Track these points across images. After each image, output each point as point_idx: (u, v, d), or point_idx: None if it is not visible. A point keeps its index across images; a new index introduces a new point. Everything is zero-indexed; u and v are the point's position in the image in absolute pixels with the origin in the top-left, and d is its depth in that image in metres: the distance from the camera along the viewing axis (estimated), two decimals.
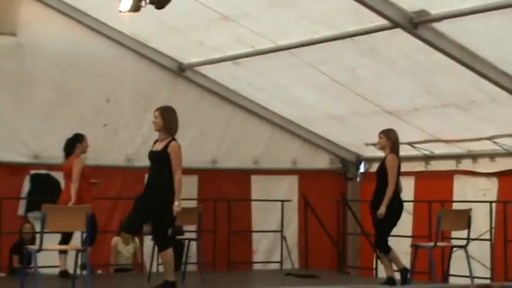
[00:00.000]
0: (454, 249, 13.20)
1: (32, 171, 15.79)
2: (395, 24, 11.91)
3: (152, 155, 11.52)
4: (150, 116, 16.12)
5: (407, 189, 15.44)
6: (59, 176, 15.70)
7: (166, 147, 11.31)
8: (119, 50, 16.30)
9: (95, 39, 16.10)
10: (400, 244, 14.44)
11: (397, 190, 12.59)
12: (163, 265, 11.52)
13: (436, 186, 15.36)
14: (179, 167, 11.33)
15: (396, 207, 12.54)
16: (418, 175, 15.73)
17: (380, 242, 12.81)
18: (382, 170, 12.63)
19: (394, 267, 12.48)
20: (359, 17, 12.26)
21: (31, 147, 15.73)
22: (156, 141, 11.59)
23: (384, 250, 12.74)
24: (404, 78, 13.66)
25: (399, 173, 12.54)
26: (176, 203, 11.06)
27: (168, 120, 11.51)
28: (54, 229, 11.25)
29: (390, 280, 12.50)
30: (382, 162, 12.71)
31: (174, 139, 11.40)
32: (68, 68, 15.80)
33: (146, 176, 16.15)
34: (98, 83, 16.04)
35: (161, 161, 11.32)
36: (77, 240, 12.61)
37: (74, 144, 13.69)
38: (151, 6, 11.99)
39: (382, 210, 12.34)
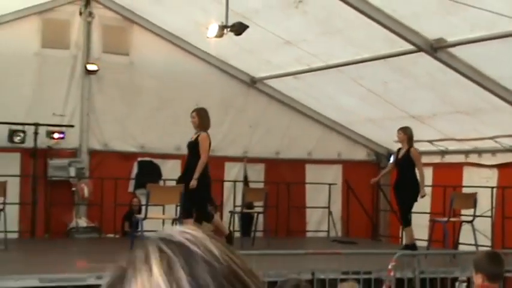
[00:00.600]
0: (463, 223, 13.10)
1: (139, 159, 15.94)
2: (419, 49, 11.86)
3: (188, 145, 11.78)
4: (228, 117, 16.51)
5: (427, 176, 15.33)
6: (159, 162, 15.97)
7: (197, 138, 11.51)
8: (206, 67, 16.35)
9: (187, 58, 16.19)
10: (421, 219, 14.42)
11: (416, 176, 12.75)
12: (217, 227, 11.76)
13: (449, 174, 15.25)
14: (204, 152, 11.45)
15: (417, 190, 12.64)
16: (435, 166, 15.61)
17: (403, 216, 12.95)
18: (405, 160, 12.71)
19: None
20: (391, 43, 12.23)
21: (138, 140, 15.90)
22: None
23: (405, 223, 12.88)
24: (425, 90, 13.60)
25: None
26: (194, 177, 11.16)
27: (202, 118, 11.72)
28: (156, 202, 11.40)
29: (412, 246, 12.55)
30: (405, 154, 12.78)
31: (204, 131, 11.61)
32: (167, 80, 15.92)
33: (225, 163, 16.47)
34: (189, 92, 16.08)
35: (193, 149, 11.52)
36: (171, 212, 12.75)
37: None
38: (232, 33, 12.09)
39: (423, 192, 12.47)
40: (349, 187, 17.14)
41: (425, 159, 15.57)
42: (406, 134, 12.86)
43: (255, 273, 1.11)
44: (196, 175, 11.27)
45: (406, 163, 12.71)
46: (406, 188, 12.69)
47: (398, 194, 12.99)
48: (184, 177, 11.66)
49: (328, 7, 11.95)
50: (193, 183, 11.19)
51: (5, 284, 9.13)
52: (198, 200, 11.46)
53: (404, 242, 13.25)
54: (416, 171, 12.77)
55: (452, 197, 12.96)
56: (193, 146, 11.57)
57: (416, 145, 15.23)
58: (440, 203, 14.49)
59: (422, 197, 12.67)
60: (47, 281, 9.37)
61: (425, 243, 13.36)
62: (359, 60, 13.40)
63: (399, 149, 13.17)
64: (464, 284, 10.50)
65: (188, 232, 1.10)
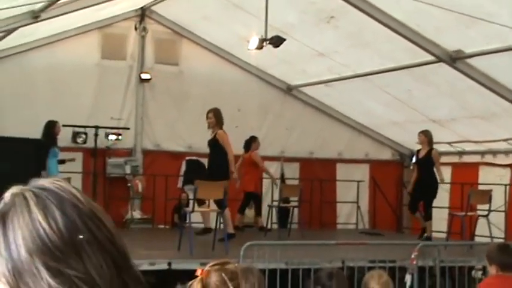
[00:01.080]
0: (479, 217, 13.03)
1: (187, 158, 16.02)
2: (439, 59, 11.83)
3: (208, 143, 11.92)
4: (267, 121, 16.55)
5: (446, 175, 15.27)
6: (205, 161, 16.03)
7: (215, 136, 11.66)
8: (247, 76, 16.37)
9: (230, 68, 16.26)
10: (441, 213, 14.38)
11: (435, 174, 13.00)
12: (224, 221, 11.57)
13: (466, 173, 15.15)
14: (228, 146, 11.70)
15: (436, 187, 12.85)
16: (454, 165, 15.53)
17: (426, 211, 13.03)
18: (426, 160, 12.84)
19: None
20: (414, 54, 12.20)
21: (186, 141, 15.99)
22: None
23: (427, 217, 12.92)
24: (445, 97, 13.54)
25: None
26: (232, 170, 11.44)
27: (218, 118, 11.86)
28: (202, 197, 11.44)
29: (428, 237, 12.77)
30: (426, 155, 12.92)
31: (221, 129, 11.74)
32: (212, 88, 15.94)
33: (264, 162, 16.47)
34: (232, 98, 16.10)
35: (214, 146, 11.70)
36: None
37: (251, 143, 14.32)
38: (270, 46, 12.13)
39: (442, 177, 12.86)
40: (375, 184, 17.11)
41: (444, 159, 15.52)
42: (427, 136, 13.11)
43: (106, 214, 1.27)
44: (232, 168, 11.46)
45: (427, 163, 12.86)
46: (427, 185, 12.82)
47: (420, 191, 13.07)
48: (211, 173, 11.69)
49: (358, 22, 11.95)
50: (234, 176, 11.29)
51: None
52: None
53: (426, 234, 13.23)
54: (435, 170, 12.90)
55: (469, 194, 12.93)
56: (214, 143, 11.69)
57: (436, 146, 15.21)
58: (458, 199, 14.40)
59: (442, 180, 13.09)
60: None
61: (444, 235, 13.33)
62: (385, 69, 13.38)
63: (419, 150, 13.32)
64: (480, 272, 10.44)
65: (57, 182, 1.27)
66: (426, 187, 12.94)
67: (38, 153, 11.94)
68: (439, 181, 13.05)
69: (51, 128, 12.94)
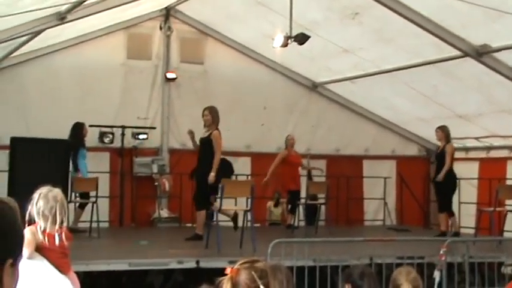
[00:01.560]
0: (508, 212, 12.92)
1: None
2: (465, 54, 11.75)
3: (200, 140, 11.77)
4: (293, 118, 16.53)
5: (474, 170, 15.28)
6: (231, 159, 16.02)
7: (210, 135, 11.53)
8: (272, 73, 16.38)
9: (255, 66, 16.25)
10: (469, 209, 14.31)
11: (453, 169, 13.09)
12: (197, 221, 11.69)
13: (494, 168, 15.02)
14: (219, 150, 11.57)
15: (453, 180, 13.07)
16: (481, 160, 15.42)
17: (445, 204, 12.99)
18: (443, 155, 12.91)
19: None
20: (439, 49, 12.13)
21: None
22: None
23: (450, 213, 13.16)
24: (471, 92, 13.43)
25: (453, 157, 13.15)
26: (212, 173, 11.26)
27: (214, 116, 11.75)
28: (229, 195, 11.44)
29: (444, 233, 12.84)
30: (442, 149, 12.98)
31: (216, 129, 11.59)
32: (237, 86, 16.00)
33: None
34: (257, 96, 16.18)
35: (206, 145, 11.55)
36: (243, 203, 12.81)
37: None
38: (295, 43, 12.12)
39: (440, 176, 12.92)
40: (402, 180, 17.03)
41: (472, 154, 15.45)
42: (444, 132, 13.24)
43: None
44: (213, 171, 11.34)
45: (443, 158, 12.90)
46: (445, 181, 12.84)
47: (438, 186, 13.14)
48: (197, 171, 11.70)
49: (382, 18, 11.90)
50: (211, 178, 11.25)
51: (99, 267, 9.33)
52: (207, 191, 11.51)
53: (453, 229, 13.18)
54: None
55: (497, 189, 12.82)
56: (206, 142, 11.59)
57: (463, 142, 15.15)
58: (486, 194, 14.29)
59: (435, 180, 13.21)
60: (134, 265, 9.55)
61: (473, 231, 13.23)
62: (410, 65, 13.30)
63: (439, 147, 13.39)
64: (510, 268, 10.37)
65: None
66: (443, 182, 12.97)
67: (67, 154, 12.02)
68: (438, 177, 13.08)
69: (79, 129, 13.06)
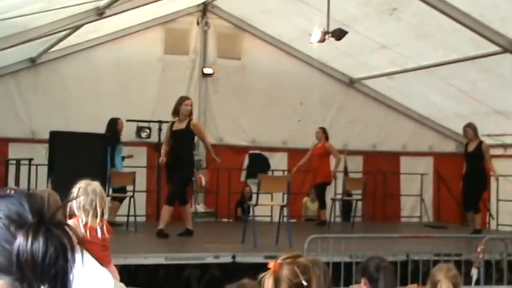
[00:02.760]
0: None
1: (250, 151, 16.09)
2: (504, 50, 11.63)
3: (177, 133, 11.19)
4: (330, 114, 16.49)
5: None
6: (267, 154, 16.10)
7: (189, 125, 11.11)
8: (309, 69, 16.33)
9: (292, 61, 16.23)
10: (507, 206, 14.17)
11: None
12: (186, 216, 11.53)
13: None
14: (206, 134, 11.53)
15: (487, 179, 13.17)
16: None
17: (475, 204, 12.95)
18: (476, 154, 12.73)
19: None
20: (478, 45, 12.01)
21: (249, 135, 16.06)
22: (173, 123, 11.35)
23: (477, 210, 13.09)
24: (510, 88, 13.26)
25: None
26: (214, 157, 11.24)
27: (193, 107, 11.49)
28: (266, 190, 11.44)
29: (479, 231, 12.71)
30: (476, 148, 12.79)
31: (192, 119, 11.22)
32: (274, 81, 16.02)
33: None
34: (294, 91, 16.18)
35: (186, 136, 11.17)
36: (279, 199, 12.81)
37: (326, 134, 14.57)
38: (332, 39, 12.09)
39: (495, 173, 13.09)
40: (439, 177, 16.88)
41: (510, 151, 15.29)
42: (473, 129, 13.11)
43: None
44: (213, 156, 11.25)
45: (478, 156, 12.74)
46: (477, 178, 12.69)
47: (469, 184, 12.95)
48: (175, 165, 11.15)
49: (420, 13, 11.83)
50: (218, 160, 11.28)
51: (136, 261, 9.42)
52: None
53: (475, 227, 13.07)
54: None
55: None
56: (187, 133, 11.10)
57: (501, 138, 14.97)
58: None
59: (495, 173, 13.24)
60: (171, 259, 9.62)
61: None
62: (448, 61, 13.20)
63: (467, 143, 13.17)
64: None
65: None
66: (476, 180, 12.82)
67: (105, 149, 12.14)
68: (491, 174, 13.00)
69: (114, 125, 13.17)
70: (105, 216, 5.11)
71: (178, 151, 11.19)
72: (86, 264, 4.06)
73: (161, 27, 15.55)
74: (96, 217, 4.89)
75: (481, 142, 13.05)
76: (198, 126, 11.50)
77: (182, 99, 11.48)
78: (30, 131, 14.52)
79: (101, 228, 4.96)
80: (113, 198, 12.86)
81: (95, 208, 4.86)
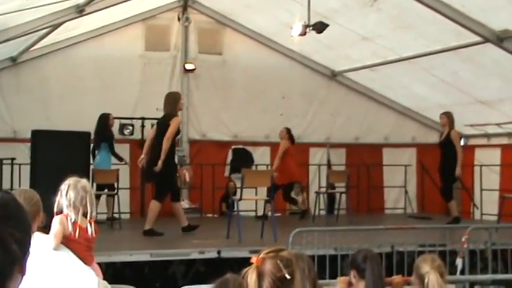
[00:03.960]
0: None
1: (233, 146, 16.08)
2: (486, 40, 11.64)
3: (161, 123, 11.17)
4: (312, 108, 16.51)
5: (496, 157, 15.14)
6: (251, 149, 16.09)
7: (170, 120, 10.96)
8: (290, 62, 16.34)
9: (274, 55, 16.21)
10: (492, 196, 14.23)
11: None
12: (179, 214, 11.31)
13: None
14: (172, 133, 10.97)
15: (455, 166, 12.83)
16: (503, 147, 15.28)
17: (448, 192, 12.96)
18: (447, 142, 12.73)
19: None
20: (459, 35, 12.03)
21: (232, 130, 16.03)
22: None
23: (450, 198, 12.99)
24: (492, 77, 13.31)
25: None
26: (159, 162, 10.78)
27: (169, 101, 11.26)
28: (250, 185, 11.43)
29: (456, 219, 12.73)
30: (446, 136, 12.80)
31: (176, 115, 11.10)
32: (256, 75, 16.00)
33: (310, 148, 16.45)
34: (276, 85, 16.17)
35: (165, 128, 10.96)
36: (263, 193, 12.81)
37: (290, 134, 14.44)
38: (313, 32, 12.08)
39: (458, 171, 12.48)
40: (423, 168, 16.93)
41: (493, 141, 15.33)
42: (449, 118, 13.04)
43: None
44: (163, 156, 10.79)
45: (447, 144, 12.73)
46: (448, 167, 12.74)
47: (443, 173, 12.94)
48: (155, 158, 10.96)
49: (401, 4, 11.83)
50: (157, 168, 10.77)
51: (121, 258, 9.37)
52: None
53: (453, 214, 13.13)
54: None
55: None
56: (166, 127, 10.93)
57: (484, 128, 15.01)
58: (509, 181, 14.21)
59: (457, 177, 12.91)
60: (156, 256, 9.59)
61: (495, 218, 13.15)
62: (430, 52, 13.20)
63: (442, 133, 13.20)
64: None
65: None
66: (448, 169, 12.82)
67: (88, 146, 12.08)
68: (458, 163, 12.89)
69: (105, 120, 13.15)
70: (94, 214, 5.05)
71: (157, 143, 11.03)
72: (69, 261, 4.01)
73: (142, 23, 15.49)
74: (86, 215, 4.84)
75: (450, 131, 13.00)
76: (176, 121, 11.25)
77: (179, 96, 11.51)
78: (11, 130, 14.43)
79: (91, 225, 4.92)
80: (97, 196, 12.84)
81: (85, 205, 4.81)
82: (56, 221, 4.66)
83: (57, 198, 4.81)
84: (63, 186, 4.83)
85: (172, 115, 11.06)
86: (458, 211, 13.32)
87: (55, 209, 4.78)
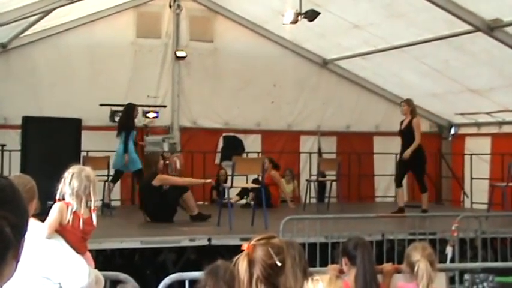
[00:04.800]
0: None
1: (224, 134, 16.06)
2: (477, 29, 11.64)
3: None
4: (303, 96, 16.53)
5: (486, 145, 15.19)
6: (241, 136, 16.07)
7: None
8: (282, 50, 16.31)
9: (265, 43, 16.17)
10: (482, 184, 14.27)
11: (421, 145, 12.59)
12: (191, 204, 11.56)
13: (506, 143, 14.89)
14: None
15: (423, 155, 12.57)
16: (493, 136, 15.33)
17: (420, 183, 12.74)
18: (408, 130, 12.43)
19: None
20: (451, 24, 12.02)
21: (223, 117, 16.00)
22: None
23: (423, 189, 12.76)
24: (483, 66, 13.32)
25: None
26: None
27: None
28: (240, 172, 11.44)
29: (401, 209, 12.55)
30: (408, 124, 12.49)
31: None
32: (247, 63, 15.95)
33: (301, 136, 16.45)
34: (267, 73, 16.14)
35: None
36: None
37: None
38: (305, 20, 12.05)
39: (408, 153, 12.27)
40: None
41: (484, 130, 15.35)
42: (410, 105, 12.65)
43: None
44: None
45: (409, 133, 12.48)
46: (412, 156, 12.35)
47: (405, 163, 12.55)
48: None
49: None
50: None
51: (112, 245, 9.36)
52: None
53: (423, 206, 12.71)
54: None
55: (510, 164, 12.72)
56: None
57: (475, 117, 15.03)
58: (499, 170, 14.23)
59: (404, 158, 12.40)
60: (147, 243, 9.58)
61: (485, 206, 13.19)
62: (421, 40, 13.19)
63: (402, 121, 12.79)
64: None
65: None
66: (411, 158, 12.40)
67: (79, 133, 12.01)
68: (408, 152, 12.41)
69: (131, 111, 13.13)
70: (97, 203, 5.01)
71: None
72: (62, 251, 3.99)
73: (133, 10, 15.42)
74: (89, 204, 4.80)
75: (412, 118, 12.56)
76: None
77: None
78: (2, 117, 14.35)
79: (94, 215, 4.87)
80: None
81: (88, 195, 4.77)
82: (55, 209, 4.62)
83: (60, 185, 4.76)
84: (67, 174, 4.78)
85: None
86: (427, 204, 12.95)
87: (57, 196, 4.74)
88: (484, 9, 11.23)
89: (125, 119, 12.98)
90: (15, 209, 1.54)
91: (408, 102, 12.75)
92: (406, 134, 12.58)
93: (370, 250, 5.24)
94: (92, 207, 4.84)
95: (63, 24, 14.46)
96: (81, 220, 4.78)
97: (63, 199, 4.74)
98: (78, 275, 3.86)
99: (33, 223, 4.30)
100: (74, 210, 4.71)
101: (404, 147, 12.56)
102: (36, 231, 4.28)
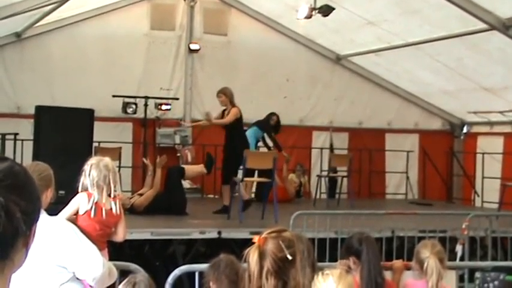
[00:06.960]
0: None
1: None
2: (492, 27, 11.58)
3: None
4: (316, 91, 16.50)
5: (498, 145, 15.12)
6: None
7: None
8: (295, 45, 16.29)
9: (279, 38, 16.16)
10: (493, 183, 14.21)
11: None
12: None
13: None
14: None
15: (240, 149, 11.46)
16: (506, 135, 15.26)
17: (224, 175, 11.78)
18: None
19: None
20: (465, 22, 11.97)
21: None
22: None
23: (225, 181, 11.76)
24: (497, 64, 13.25)
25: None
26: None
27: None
28: (252, 166, 11.41)
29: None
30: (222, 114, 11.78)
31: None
32: (260, 57, 15.94)
33: (313, 132, 16.43)
34: (280, 68, 16.12)
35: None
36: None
37: None
38: (319, 15, 12.03)
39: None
40: (425, 154, 16.92)
41: (496, 129, 15.29)
42: (227, 96, 11.84)
43: None
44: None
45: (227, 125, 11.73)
46: (229, 148, 11.73)
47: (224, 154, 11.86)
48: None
49: None
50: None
51: None
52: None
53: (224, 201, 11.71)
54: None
55: None
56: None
57: (488, 116, 14.93)
58: (511, 170, 14.19)
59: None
60: (157, 235, 9.61)
61: (496, 205, 13.16)
62: (435, 38, 13.15)
63: (224, 110, 12.01)
64: None
65: None
66: (225, 150, 11.78)
67: (90, 123, 12.03)
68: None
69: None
70: (118, 192, 5.02)
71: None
72: (78, 241, 4.00)
73: (147, 2, 15.43)
74: (110, 193, 4.83)
75: (231, 109, 11.71)
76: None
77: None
78: (15, 105, 14.41)
79: (116, 204, 4.89)
80: None
81: (109, 184, 4.79)
82: (75, 200, 4.65)
83: (81, 178, 4.79)
84: (86, 166, 4.82)
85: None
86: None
87: (79, 189, 4.78)
88: (499, 7, 11.18)
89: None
90: (27, 196, 1.53)
91: (223, 91, 11.94)
92: (227, 126, 11.83)
93: (375, 244, 5.21)
94: (112, 196, 4.86)
95: (77, 14, 14.50)
96: (103, 210, 4.80)
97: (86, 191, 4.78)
98: (92, 265, 3.87)
99: (45, 218, 4.30)
100: (95, 200, 4.74)
101: (225, 140, 11.94)
102: (51, 220, 4.29)
